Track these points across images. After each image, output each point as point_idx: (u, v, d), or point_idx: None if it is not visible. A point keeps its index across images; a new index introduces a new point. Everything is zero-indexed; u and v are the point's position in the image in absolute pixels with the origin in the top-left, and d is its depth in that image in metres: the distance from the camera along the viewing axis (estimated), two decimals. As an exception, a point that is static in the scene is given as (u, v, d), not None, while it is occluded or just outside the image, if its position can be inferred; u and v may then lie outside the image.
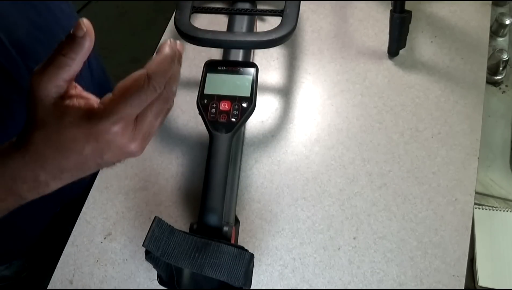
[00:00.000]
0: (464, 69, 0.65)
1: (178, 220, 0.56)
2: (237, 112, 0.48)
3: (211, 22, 0.72)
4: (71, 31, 0.28)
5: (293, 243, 0.54)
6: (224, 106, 0.49)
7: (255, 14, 0.57)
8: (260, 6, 0.61)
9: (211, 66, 0.52)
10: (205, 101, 0.49)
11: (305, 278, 0.52)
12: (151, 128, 0.32)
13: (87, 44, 0.29)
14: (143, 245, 0.40)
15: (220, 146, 0.47)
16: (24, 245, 0.69)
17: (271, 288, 0.52)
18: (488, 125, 0.65)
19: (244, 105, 0.49)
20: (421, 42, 0.68)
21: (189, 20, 0.52)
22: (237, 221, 0.54)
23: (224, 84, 0.50)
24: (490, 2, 0.71)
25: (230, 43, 0.52)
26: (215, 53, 0.67)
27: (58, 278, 0.53)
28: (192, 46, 0.53)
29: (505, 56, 0.66)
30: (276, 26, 0.51)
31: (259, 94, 0.50)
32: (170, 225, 0.42)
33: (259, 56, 0.68)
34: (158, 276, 0.46)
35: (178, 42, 0.33)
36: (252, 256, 0.42)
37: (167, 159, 0.61)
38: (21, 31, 0.47)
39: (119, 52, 1.73)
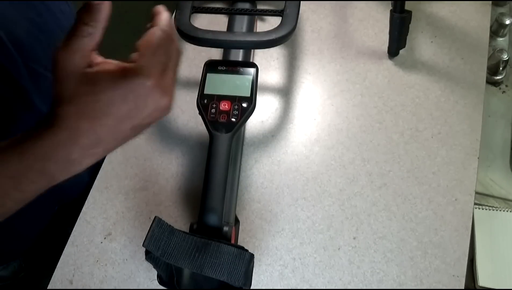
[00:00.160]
0: (464, 69, 0.65)
1: (178, 220, 0.56)
2: (237, 112, 0.48)
3: (211, 22, 0.72)
4: (88, 1, 0.29)
5: (293, 243, 0.54)
6: (224, 106, 0.49)
7: (255, 14, 0.57)
8: (260, 6, 0.61)
9: (211, 66, 0.52)
10: (205, 101, 0.49)
11: (305, 278, 0.52)
12: (173, 81, 0.34)
13: (106, 9, 0.30)
14: (143, 245, 0.40)
15: (220, 146, 0.47)
16: (22, 246, 0.69)
17: (271, 288, 0.52)
18: (488, 125, 0.65)
19: (244, 105, 0.49)
20: (421, 42, 0.68)
21: (189, 20, 0.52)
22: (237, 221, 0.54)
23: (224, 84, 0.50)
24: (490, 2, 0.71)
25: (230, 43, 0.52)
26: (215, 53, 0.67)
27: (58, 278, 0.53)
28: (192, 46, 0.53)
29: (505, 56, 0.66)
30: (276, 26, 0.51)
31: (259, 94, 0.50)
32: (170, 225, 0.42)
33: (259, 56, 0.68)
34: (158, 276, 0.46)
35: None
36: (252, 256, 0.42)
37: (167, 159, 0.61)
38: (21, 30, 0.47)
39: (119, 52, 1.73)
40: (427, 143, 0.59)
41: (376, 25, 0.70)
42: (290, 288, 0.52)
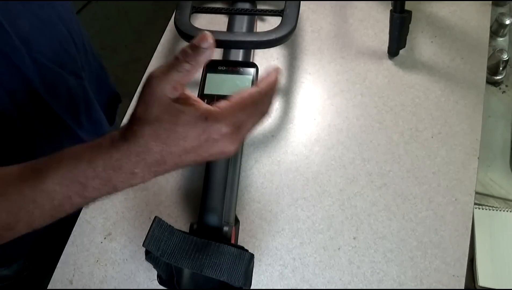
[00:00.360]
0: (464, 69, 0.65)
1: (178, 220, 0.56)
2: (237, 112, 0.48)
3: (211, 22, 0.72)
4: (195, 42, 0.32)
5: (293, 243, 0.54)
6: (224, 106, 0.48)
7: (255, 14, 0.57)
8: (260, 6, 0.61)
9: (211, 66, 0.52)
10: (205, 101, 0.48)
11: (305, 278, 0.52)
12: (247, 134, 0.36)
13: (208, 55, 0.33)
14: (143, 245, 0.40)
15: (220, 146, 0.47)
16: (24, 246, 0.69)
17: (271, 288, 0.52)
18: (488, 125, 0.65)
19: (244, 105, 0.48)
20: (421, 42, 0.68)
21: (189, 20, 0.52)
22: (237, 221, 0.54)
23: (224, 84, 0.50)
24: (490, 2, 0.71)
25: (230, 43, 0.52)
26: (215, 53, 0.67)
27: (58, 278, 0.53)
28: (192, 46, 0.53)
29: (505, 56, 0.66)
30: (276, 26, 0.51)
31: (259, 94, 0.50)
32: (170, 225, 0.42)
33: (259, 56, 0.68)
34: (158, 276, 0.46)
35: (279, 68, 0.38)
36: (252, 256, 0.42)
37: (167, 159, 0.60)
38: (25, 23, 0.48)
39: (119, 52, 1.74)
40: (427, 143, 0.59)
41: (376, 25, 0.70)
42: (290, 288, 0.52)
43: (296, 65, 0.68)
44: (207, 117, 0.33)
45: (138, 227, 0.56)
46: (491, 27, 0.71)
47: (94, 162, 0.32)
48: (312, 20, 0.72)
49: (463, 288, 0.50)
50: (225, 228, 0.46)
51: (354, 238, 0.54)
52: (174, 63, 0.32)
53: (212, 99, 0.49)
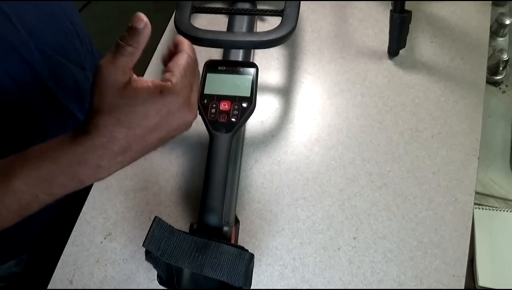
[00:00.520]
0: (464, 69, 0.65)
1: (178, 220, 0.56)
2: (237, 112, 0.48)
3: (211, 22, 0.72)
4: (131, 24, 0.33)
5: (293, 243, 0.54)
6: (224, 106, 0.48)
7: (255, 14, 0.57)
8: (260, 6, 0.61)
9: (211, 66, 0.52)
10: (205, 101, 0.49)
11: (305, 278, 0.52)
12: (196, 96, 0.38)
13: (147, 34, 0.34)
14: (143, 245, 0.40)
15: (220, 146, 0.47)
16: (32, 235, 0.69)
17: (271, 288, 0.52)
18: (488, 125, 0.65)
19: (244, 105, 0.49)
20: (421, 42, 0.68)
21: (189, 20, 0.52)
22: (237, 221, 0.54)
23: (224, 84, 0.50)
24: (490, 2, 0.71)
25: (230, 43, 0.52)
26: (215, 53, 0.67)
27: (58, 278, 0.53)
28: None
29: (505, 56, 0.66)
30: (276, 26, 0.51)
31: (259, 94, 0.50)
32: (170, 225, 0.42)
33: (259, 56, 0.68)
34: (158, 276, 0.46)
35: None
36: (252, 256, 0.42)
37: (167, 159, 0.61)
38: (32, 16, 0.49)
39: (119, 52, 1.73)
40: (427, 143, 0.59)
41: (376, 25, 0.70)
42: (290, 288, 0.52)
43: (296, 65, 0.68)
44: (162, 91, 0.34)
45: (138, 227, 0.56)
46: (491, 27, 0.71)
47: (58, 159, 0.33)
48: (312, 20, 0.72)
49: (463, 288, 0.50)
50: (225, 228, 0.46)
51: (354, 238, 0.54)
52: (117, 48, 0.33)
53: (212, 99, 0.49)
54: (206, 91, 0.50)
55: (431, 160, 0.58)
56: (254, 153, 0.60)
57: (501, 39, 0.73)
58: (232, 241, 0.48)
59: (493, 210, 0.59)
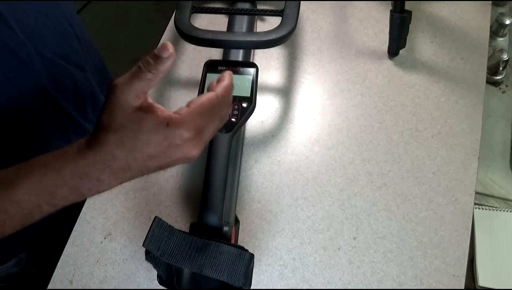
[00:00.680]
0: (464, 69, 0.65)
1: (178, 220, 0.56)
2: (237, 112, 0.48)
3: (211, 22, 0.72)
4: (156, 51, 0.33)
5: (293, 243, 0.54)
6: (224, 106, 0.48)
7: (255, 14, 0.57)
8: (260, 6, 0.61)
9: (211, 66, 0.52)
10: (205, 101, 0.49)
11: (305, 278, 0.52)
12: (208, 138, 0.38)
13: (169, 64, 0.33)
14: (143, 245, 0.40)
15: (220, 146, 0.47)
16: (30, 233, 0.69)
17: (271, 288, 0.52)
18: (488, 125, 0.65)
19: (244, 105, 0.49)
20: (421, 42, 0.68)
21: (189, 20, 0.52)
22: (237, 221, 0.54)
23: (224, 84, 0.50)
24: (490, 2, 0.71)
25: (230, 43, 0.52)
26: (215, 53, 0.67)
27: (58, 278, 0.53)
28: (192, 46, 0.53)
29: (505, 56, 0.66)
30: (276, 26, 0.51)
31: (259, 94, 0.50)
32: (170, 225, 0.42)
33: (259, 56, 0.68)
34: (158, 276, 0.46)
35: (231, 72, 0.40)
36: (252, 256, 0.42)
37: (167, 159, 0.60)
38: (30, 19, 0.49)
39: (119, 52, 1.73)
40: (427, 143, 0.59)
41: (376, 25, 0.70)
42: (290, 288, 0.52)
43: (296, 65, 0.68)
44: (168, 123, 0.34)
45: (138, 227, 0.56)
46: (491, 27, 0.71)
47: (62, 171, 0.33)
48: (312, 20, 0.72)
49: (463, 288, 0.50)
50: (225, 228, 0.46)
51: (354, 238, 0.54)
52: (136, 72, 0.33)
53: (212, 99, 0.49)
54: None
55: (431, 160, 0.58)
56: (254, 153, 0.60)
57: (501, 39, 0.73)
58: (232, 241, 0.48)
59: (493, 210, 0.59)
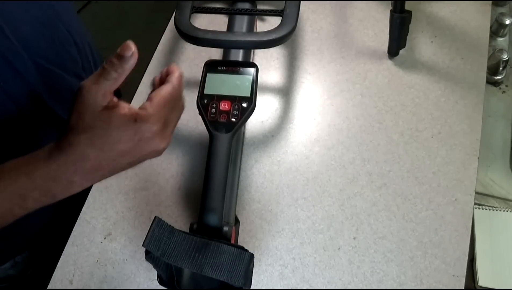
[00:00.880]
0: (464, 69, 0.65)
1: (178, 220, 0.56)
2: (237, 112, 0.48)
3: (211, 22, 0.72)
4: (119, 51, 0.34)
5: (293, 243, 0.54)
6: (224, 106, 0.48)
7: (255, 14, 0.57)
8: (260, 6, 0.61)
9: (211, 66, 0.52)
10: (205, 101, 0.49)
11: (305, 278, 0.52)
12: (172, 130, 0.39)
13: (133, 62, 0.35)
14: (143, 245, 0.40)
15: (220, 146, 0.47)
16: (28, 237, 0.69)
17: (271, 288, 0.52)
18: (488, 125, 0.65)
19: (244, 105, 0.49)
20: (421, 42, 0.68)
21: (189, 20, 0.52)
22: (237, 221, 0.54)
23: (224, 84, 0.50)
24: (490, 2, 0.71)
25: (230, 43, 0.52)
26: (215, 53, 0.67)
27: (58, 278, 0.53)
28: (192, 46, 0.53)
29: (505, 56, 0.66)
30: (276, 26, 0.51)
31: (259, 94, 0.50)
32: (170, 225, 0.42)
33: (259, 56, 0.68)
34: (158, 276, 0.46)
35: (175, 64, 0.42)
36: (252, 256, 0.42)
37: (167, 159, 0.61)
38: (26, 27, 0.48)
39: (119, 52, 1.73)
40: (427, 143, 0.59)
41: (376, 25, 0.70)
42: (290, 288, 0.52)
43: (296, 65, 0.68)
44: (136, 119, 0.35)
45: (138, 227, 0.56)
46: (491, 27, 0.71)
47: (33, 175, 0.34)
48: (312, 20, 0.72)
49: (463, 288, 0.50)
50: (225, 228, 0.46)
51: (354, 238, 0.54)
52: (102, 72, 0.34)
53: (212, 99, 0.49)
54: (206, 91, 0.50)
55: (431, 160, 0.58)
56: (254, 153, 0.60)
57: (501, 39, 0.73)
58: (232, 241, 0.48)
59: (493, 210, 0.59)
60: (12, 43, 0.46)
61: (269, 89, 0.66)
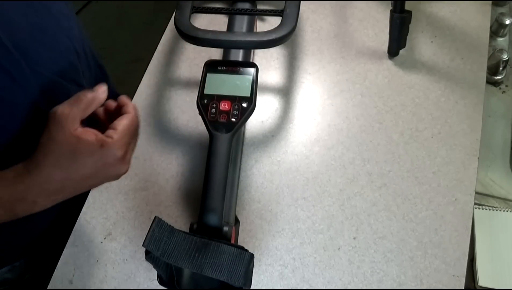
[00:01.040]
0: (464, 69, 0.65)
1: (178, 220, 0.56)
2: (237, 112, 0.48)
3: (211, 22, 0.72)
4: (94, 88, 0.40)
5: (293, 243, 0.54)
6: (224, 106, 0.48)
7: (255, 14, 0.57)
8: (260, 6, 0.61)
9: (211, 66, 0.52)
10: (205, 101, 0.49)
11: (305, 278, 0.52)
12: (133, 153, 0.43)
13: (103, 97, 0.41)
14: (143, 245, 0.40)
15: (220, 146, 0.47)
16: (26, 244, 0.68)
17: (271, 288, 0.52)
18: (488, 125, 0.65)
19: (244, 105, 0.49)
20: (421, 42, 0.68)
21: (189, 20, 0.52)
22: (237, 221, 0.54)
23: (224, 84, 0.50)
24: (490, 2, 0.71)
25: (230, 43, 0.52)
26: (215, 53, 0.67)
27: (58, 278, 0.53)
28: (192, 46, 0.53)
29: (505, 56, 0.66)
30: (276, 26, 0.51)
31: (259, 94, 0.50)
32: (170, 225, 0.42)
33: (259, 56, 0.68)
34: (158, 276, 0.46)
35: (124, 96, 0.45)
36: (252, 256, 0.42)
37: (167, 159, 0.61)
38: (23, 34, 0.48)
39: (119, 52, 1.73)
40: (427, 143, 0.59)
41: (376, 25, 0.70)
42: (290, 288, 0.52)
43: (296, 65, 0.68)
44: (102, 145, 0.38)
45: (138, 227, 0.56)
46: (491, 27, 0.71)
47: (0, 194, 0.36)
48: (312, 20, 0.72)
49: (463, 288, 0.50)
50: (225, 228, 0.46)
51: (354, 238, 0.54)
52: (75, 100, 0.38)
53: (212, 99, 0.49)
54: (206, 91, 0.50)
55: (431, 160, 0.58)
56: (254, 153, 0.60)
57: (501, 39, 0.73)
58: (232, 241, 0.48)
59: (493, 210, 0.59)
60: (10, 51, 0.45)
61: (269, 89, 0.66)
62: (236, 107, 0.48)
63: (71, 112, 0.37)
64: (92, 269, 0.54)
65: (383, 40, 0.68)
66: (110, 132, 0.39)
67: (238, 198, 0.55)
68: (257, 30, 0.63)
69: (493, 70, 0.68)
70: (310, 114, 0.63)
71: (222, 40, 0.51)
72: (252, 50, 0.62)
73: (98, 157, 0.38)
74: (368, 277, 0.51)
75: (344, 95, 0.64)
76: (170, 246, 0.41)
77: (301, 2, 0.54)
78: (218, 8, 0.54)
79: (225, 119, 0.48)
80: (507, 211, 0.59)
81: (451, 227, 0.53)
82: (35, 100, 0.51)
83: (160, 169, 0.60)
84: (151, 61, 0.70)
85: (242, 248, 0.42)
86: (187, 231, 0.44)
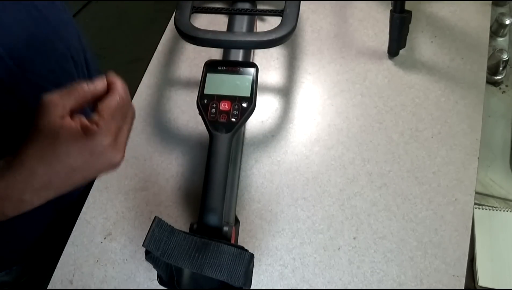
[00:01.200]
0: (464, 69, 0.65)
1: (178, 220, 0.56)
2: (237, 112, 0.48)
3: (211, 22, 0.72)
4: (95, 82, 0.36)
5: (293, 243, 0.54)
6: (224, 106, 0.49)
7: (255, 14, 0.57)
8: (260, 6, 0.61)
9: (211, 66, 0.52)
10: (205, 101, 0.49)
11: (305, 278, 0.52)
12: (126, 140, 0.39)
13: (101, 88, 0.37)
14: (143, 245, 0.40)
15: (220, 146, 0.47)
16: (22, 250, 0.68)
17: (271, 288, 0.52)
18: (488, 125, 0.65)
19: (244, 105, 0.49)
20: (421, 42, 0.68)
21: (189, 20, 0.52)
22: (237, 221, 0.54)
23: (224, 84, 0.50)
24: (490, 2, 0.71)
25: (230, 43, 0.52)
26: (215, 53, 0.67)
27: (58, 278, 0.53)
28: (192, 46, 0.53)
29: (505, 56, 0.66)
30: (276, 26, 0.51)
31: (259, 94, 0.50)
32: (170, 225, 0.42)
33: (259, 56, 0.68)
34: (158, 276, 0.46)
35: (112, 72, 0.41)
36: (252, 256, 0.42)
37: (167, 159, 0.61)
38: (20, 44, 0.47)
39: (119, 52, 1.73)
40: (427, 143, 0.59)
41: (376, 25, 0.70)
42: (290, 288, 0.52)
43: (296, 65, 0.68)
44: (86, 133, 0.34)
45: (138, 227, 0.56)
46: (491, 27, 0.71)
47: None
48: (312, 20, 0.72)
49: (463, 288, 0.50)
50: (225, 228, 0.46)
51: (354, 238, 0.54)
52: (69, 90, 0.35)
53: (212, 99, 0.49)
54: (206, 91, 0.50)
55: (431, 160, 0.58)
56: (254, 153, 0.60)
57: (501, 39, 0.73)
58: (232, 241, 0.48)
59: (493, 210, 0.59)
60: (6, 63, 0.45)
61: (269, 89, 0.66)
62: (236, 107, 0.48)
63: (61, 100, 0.34)
64: (92, 269, 0.54)
65: (383, 40, 0.68)
66: (95, 117, 0.36)
67: (238, 198, 0.55)
68: (257, 30, 0.63)
69: (493, 70, 0.68)
70: (310, 114, 0.63)
71: (222, 40, 0.51)
72: (252, 50, 0.62)
73: (83, 147, 0.34)
74: (368, 277, 0.51)
75: (344, 95, 0.64)
76: (170, 246, 0.41)
77: (301, 2, 0.54)
78: (218, 8, 0.54)
79: (225, 119, 0.48)
80: (507, 211, 0.59)
81: (451, 227, 0.53)
82: (30, 110, 0.50)
83: (160, 169, 0.60)
84: (151, 61, 0.70)
85: (242, 248, 0.42)
86: (187, 231, 0.44)
